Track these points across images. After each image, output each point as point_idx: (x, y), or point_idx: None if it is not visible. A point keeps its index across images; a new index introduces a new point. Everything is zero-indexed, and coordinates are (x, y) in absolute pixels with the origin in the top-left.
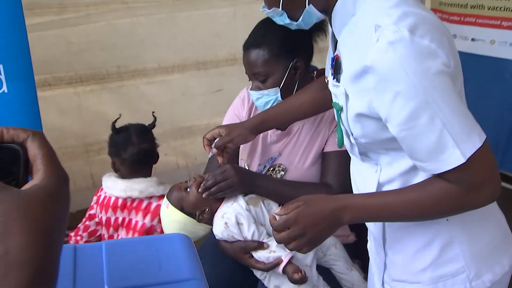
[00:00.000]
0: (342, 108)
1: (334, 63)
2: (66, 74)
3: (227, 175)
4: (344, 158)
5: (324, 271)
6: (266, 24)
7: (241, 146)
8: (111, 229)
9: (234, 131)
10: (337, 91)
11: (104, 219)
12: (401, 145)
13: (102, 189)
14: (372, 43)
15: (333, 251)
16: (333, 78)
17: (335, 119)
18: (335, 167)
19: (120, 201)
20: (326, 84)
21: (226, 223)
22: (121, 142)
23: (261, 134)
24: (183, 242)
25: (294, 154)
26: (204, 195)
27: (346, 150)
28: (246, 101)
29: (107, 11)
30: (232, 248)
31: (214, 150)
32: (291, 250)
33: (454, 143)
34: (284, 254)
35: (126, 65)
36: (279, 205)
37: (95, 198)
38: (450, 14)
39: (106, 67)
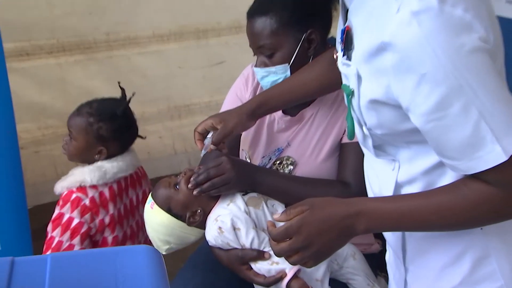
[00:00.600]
0: (353, 92)
1: (344, 36)
2: (47, 42)
3: (222, 168)
4: None
5: (340, 287)
6: None
7: (243, 133)
8: (125, 221)
9: (230, 121)
10: (347, 71)
11: (107, 218)
12: (427, 139)
13: (74, 192)
14: (392, 13)
15: (351, 263)
16: (343, 55)
17: None
18: (354, 161)
19: (128, 180)
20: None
21: (220, 228)
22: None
23: (267, 120)
24: (149, 256)
25: (306, 145)
26: (194, 192)
27: None
28: (250, 80)
29: None
30: (227, 257)
31: (212, 147)
32: (292, 264)
33: (494, 137)
34: (289, 267)
35: (116, 32)
36: (286, 207)
37: (73, 211)
38: None
39: (94, 34)
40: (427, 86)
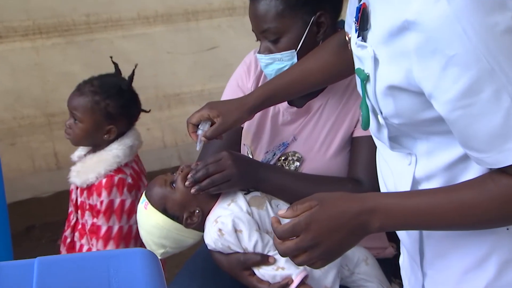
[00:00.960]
0: (368, 77)
1: (360, 14)
2: (21, 24)
3: (222, 164)
4: None
5: None
6: None
7: (244, 126)
8: None
9: (229, 116)
10: (362, 53)
11: None
12: (451, 129)
13: (114, 175)
14: None
15: (363, 269)
16: (358, 36)
17: None
18: (367, 157)
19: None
20: (346, 43)
21: (220, 230)
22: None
23: (271, 112)
24: (145, 260)
25: (314, 139)
26: (192, 191)
27: None
28: (252, 68)
29: None
30: (228, 262)
31: (205, 140)
32: (299, 264)
33: None
34: (296, 272)
35: (96, 13)
36: None
37: (122, 193)
38: None
39: (72, 15)
40: (455, 70)
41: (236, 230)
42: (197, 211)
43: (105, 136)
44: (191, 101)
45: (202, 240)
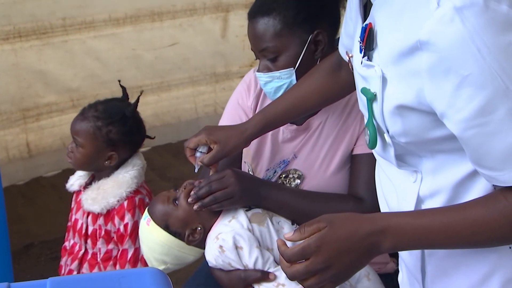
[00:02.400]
0: (375, 96)
1: (366, 34)
2: (3, 28)
3: (225, 182)
4: None
5: None
6: None
7: None
8: None
9: (227, 144)
10: (368, 72)
11: None
12: (464, 147)
13: (135, 196)
14: (430, 9)
15: (365, 284)
16: (363, 56)
17: None
18: (367, 175)
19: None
20: (339, 65)
21: (221, 246)
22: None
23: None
24: (156, 279)
25: (314, 157)
26: (195, 207)
27: None
28: (252, 86)
29: None
30: (228, 279)
31: (200, 163)
32: None
33: None
34: None
35: (72, 16)
36: (293, 224)
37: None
38: None
39: (50, 19)
40: (470, 89)
41: (236, 247)
42: (199, 228)
43: (106, 162)
44: (151, 93)
45: (203, 257)
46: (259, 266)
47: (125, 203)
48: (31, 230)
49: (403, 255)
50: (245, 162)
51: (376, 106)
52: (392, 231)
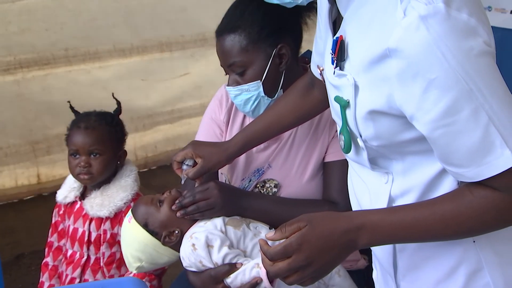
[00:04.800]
0: (348, 103)
1: (337, 46)
2: (3, 59)
3: (208, 194)
4: None
5: None
6: (243, 3)
7: None
8: None
9: (210, 160)
10: (341, 82)
11: None
12: (433, 147)
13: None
14: (397, 18)
15: (337, 280)
16: (336, 66)
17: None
18: (340, 180)
19: None
20: (311, 84)
21: (193, 245)
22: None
23: None
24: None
25: (289, 166)
26: (178, 214)
27: None
28: (224, 101)
29: None
30: (201, 280)
31: (185, 175)
32: (290, 284)
33: (503, 141)
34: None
35: (74, 47)
36: (270, 229)
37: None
38: None
39: (51, 50)
40: (436, 92)
41: (208, 245)
42: (176, 231)
43: (118, 161)
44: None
45: (176, 261)
46: (227, 261)
47: (132, 205)
48: (21, 241)
49: (377, 252)
50: (221, 173)
51: (349, 113)
52: (368, 227)
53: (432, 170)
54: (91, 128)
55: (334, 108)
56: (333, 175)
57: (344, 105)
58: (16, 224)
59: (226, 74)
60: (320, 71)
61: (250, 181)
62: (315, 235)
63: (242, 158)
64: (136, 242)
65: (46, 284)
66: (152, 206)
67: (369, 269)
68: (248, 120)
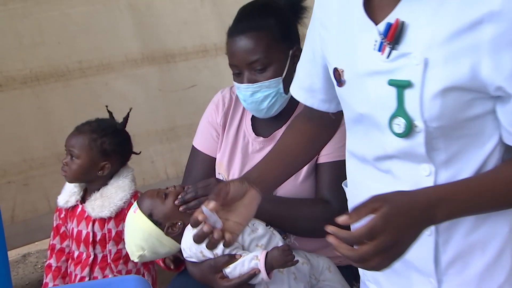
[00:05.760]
0: (409, 83)
1: (393, 30)
2: (19, 73)
3: (209, 189)
4: (341, 170)
5: None
6: (257, 7)
7: (217, 158)
8: None
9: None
10: (399, 63)
11: None
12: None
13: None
14: None
15: (327, 276)
16: (392, 49)
17: None
18: (331, 180)
19: None
20: (307, 117)
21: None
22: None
23: (240, 143)
24: (138, 285)
25: None
26: (180, 208)
27: (343, 161)
28: (220, 105)
29: None
30: (200, 270)
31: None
32: (372, 269)
33: None
34: (257, 254)
35: (88, 59)
36: (267, 225)
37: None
38: None
39: (66, 62)
40: None
41: None
42: (179, 223)
43: (99, 172)
44: (185, 134)
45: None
46: (227, 252)
47: (133, 201)
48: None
49: (412, 254)
50: (219, 173)
51: (411, 93)
52: (447, 201)
53: (477, 157)
54: (78, 131)
55: (380, 95)
56: (325, 176)
57: (405, 85)
58: None
59: (237, 74)
60: (340, 72)
61: None
62: (398, 213)
63: (238, 159)
64: (140, 231)
65: (50, 285)
66: (158, 198)
67: None
68: (245, 122)
